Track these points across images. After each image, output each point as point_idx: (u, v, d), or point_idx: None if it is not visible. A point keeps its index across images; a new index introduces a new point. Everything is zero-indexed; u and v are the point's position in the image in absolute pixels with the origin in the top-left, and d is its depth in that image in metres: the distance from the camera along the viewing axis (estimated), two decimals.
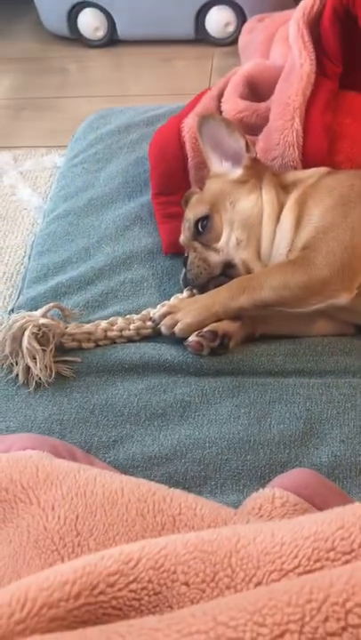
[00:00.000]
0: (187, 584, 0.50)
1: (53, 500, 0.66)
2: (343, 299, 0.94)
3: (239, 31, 2.06)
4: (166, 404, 0.95)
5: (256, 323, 1.03)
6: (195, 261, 1.06)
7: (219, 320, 0.99)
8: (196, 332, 0.98)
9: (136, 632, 0.42)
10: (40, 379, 0.95)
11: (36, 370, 0.94)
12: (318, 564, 0.49)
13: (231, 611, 0.42)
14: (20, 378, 0.96)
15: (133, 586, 0.50)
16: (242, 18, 2.23)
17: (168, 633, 0.41)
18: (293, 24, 1.21)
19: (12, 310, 1.10)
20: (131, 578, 0.50)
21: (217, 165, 1.11)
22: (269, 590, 0.43)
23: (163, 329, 1.00)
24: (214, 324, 0.98)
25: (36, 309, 1.02)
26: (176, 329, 0.99)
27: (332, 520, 0.51)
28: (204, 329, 0.98)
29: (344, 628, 0.39)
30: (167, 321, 1.00)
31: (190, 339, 0.98)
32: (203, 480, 0.88)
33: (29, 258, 1.26)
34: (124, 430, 0.93)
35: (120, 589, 0.49)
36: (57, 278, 1.16)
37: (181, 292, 1.07)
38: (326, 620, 0.39)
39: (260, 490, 0.74)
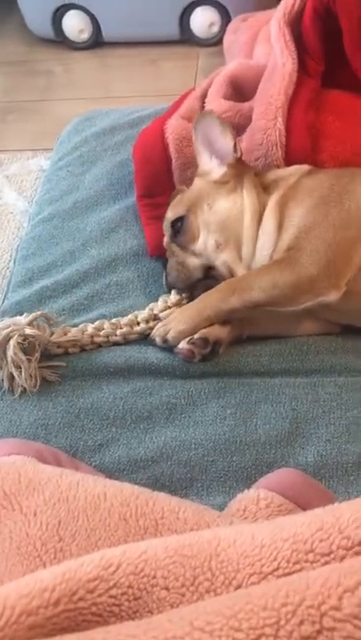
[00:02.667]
0: (167, 588, 0.50)
1: (35, 506, 0.66)
2: (332, 296, 0.94)
3: (224, 31, 2.06)
4: (152, 406, 0.95)
5: (243, 324, 1.02)
6: (173, 265, 1.06)
7: (211, 324, 0.99)
8: (187, 340, 0.98)
9: (113, 638, 0.42)
10: (25, 388, 0.95)
11: (21, 380, 0.93)
12: (297, 566, 0.49)
13: (208, 615, 0.42)
14: (5, 384, 0.96)
15: (113, 591, 0.49)
16: (226, 18, 2.22)
17: (144, 639, 0.41)
18: (275, 24, 1.21)
19: None
20: (111, 583, 0.50)
21: (205, 162, 1.11)
22: (247, 594, 0.43)
23: (156, 340, 0.99)
24: (205, 331, 0.98)
25: (21, 314, 1.01)
26: (169, 336, 0.98)
27: (311, 522, 0.51)
28: (195, 336, 0.97)
29: (319, 632, 0.39)
30: (160, 331, 0.99)
31: (181, 346, 0.98)
32: (189, 482, 0.88)
33: (14, 262, 1.26)
34: (110, 434, 0.92)
35: (100, 595, 0.49)
36: (42, 282, 1.16)
37: (168, 292, 1.07)
38: (301, 623, 0.39)
39: (245, 491, 0.75)
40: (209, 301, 0.99)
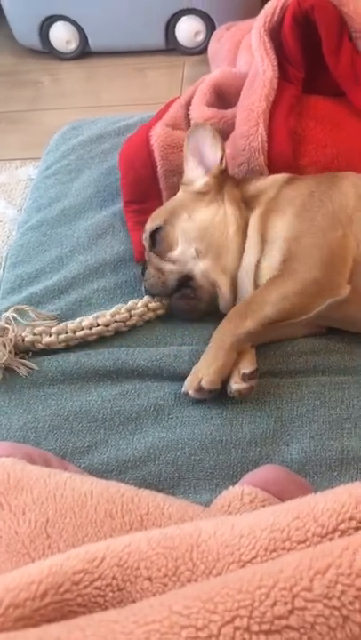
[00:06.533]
0: (149, 579, 0.51)
1: (24, 505, 0.67)
2: (342, 293, 0.95)
3: (209, 40, 2.09)
4: (140, 408, 0.97)
5: None
6: (150, 271, 1.08)
7: (236, 353, 0.96)
8: (241, 378, 0.94)
9: (95, 625, 0.44)
10: None
11: None
12: (275, 554, 0.51)
13: (186, 600, 0.43)
14: None
15: (98, 583, 0.51)
16: (211, 27, 2.25)
17: (125, 624, 0.43)
18: (255, 32, 1.23)
19: None
20: (95, 575, 0.51)
21: (191, 169, 1.13)
22: (223, 579, 0.45)
23: (190, 393, 0.95)
24: (246, 364, 0.96)
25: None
26: (203, 382, 0.94)
27: (288, 511, 0.53)
28: (246, 371, 0.95)
29: (291, 612, 0.41)
30: (191, 381, 0.95)
31: (238, 387, 0.94)
32: (176, 481, 0.89)
33: (4, 269, 1.27)
34: (99, 435, 0.94)
35: (85, 587, 0.51)
36: (31, 288, 1.17)
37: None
38: (274, 604, 0.41)
39: (230, 487, 0.76)
40: (223, 333, 0.97)
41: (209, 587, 0.44)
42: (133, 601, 0.51)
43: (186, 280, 1.05)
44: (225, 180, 1.10)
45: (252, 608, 0.41)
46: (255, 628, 0.40)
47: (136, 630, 0.42)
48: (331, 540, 0.49)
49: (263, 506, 0.73)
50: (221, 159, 1.09)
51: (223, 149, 1.09)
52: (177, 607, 0.43)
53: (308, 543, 0.50)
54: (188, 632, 0.41)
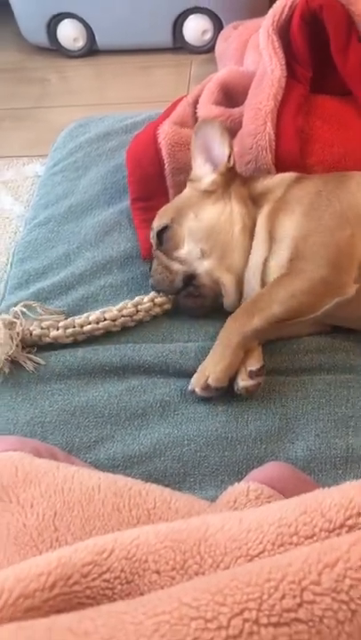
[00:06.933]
0: (157, 572, 0.52)
1: (32, 498, 0.68)
2: (349, 292, 0.95)
3: (216, 39, 2.09)
4: (146, 404, 0.97)
5: None
6: (157, 268, 1.08)
7: (242, 351, 0.96)
8: (248, 375, 0.95)
9: (105, 615, 0.44)
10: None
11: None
12: (282, 549, 0.51)
13: (195, 592, 0.44)
14: None
15: (107, 575, 0.52)
16: (219, 26, 2.26)
17: (135, 615, 0.43)
18: (263, 31, 1.24)
19: None
20: (104, 568, 0.52)
21: (199, 166, 1.13)
22: (232, 572, 0.46)
23: (197, 390, 0.95)
24: (253, 361, 0.96)
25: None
26: (210, 380, 0.94)
27: (296, 506, 0.53)
28: (253, 368, 0.95)
29: (300, 605, 0.41)
30: (197, 381, 0.96)
31: (245, 384, 0.95)
32: (182, 477, 0.90)
33: (11, 265, 1.28)
34: (105, 431, 0.94)
35: (94, 579, 0.51)
36: (38, 284, 1.18)
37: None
38: (283, 597, 0.42)
39: (236, 484, 0.77)
40: (230, 332, 0.97)
41: (217, 579, 0.44)
42: (141, 594, 0.51)
43: (190, 278, 1.06)
44: (232, 178, 1.10)
45: (260, 601, 0.41)
46: (264, 620, 0.41)
47: (146, 621, 0.42)
48: (338, 535, 0.49)
49: (269, 502, 0.73)
50: (229, 156, 1.09)
51: (231, 146, 1.09)
52: (186, 599, 0.43)
53: (315, 538, 0.50)
54: (197, 623, 0.41)
